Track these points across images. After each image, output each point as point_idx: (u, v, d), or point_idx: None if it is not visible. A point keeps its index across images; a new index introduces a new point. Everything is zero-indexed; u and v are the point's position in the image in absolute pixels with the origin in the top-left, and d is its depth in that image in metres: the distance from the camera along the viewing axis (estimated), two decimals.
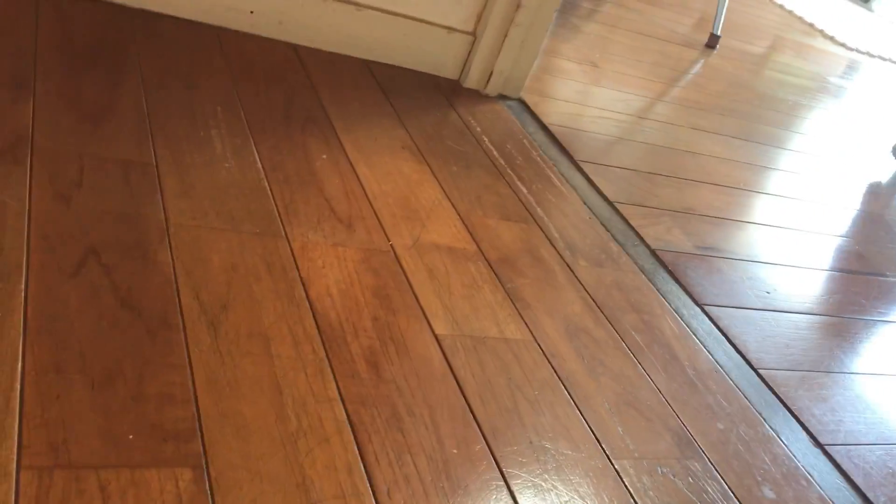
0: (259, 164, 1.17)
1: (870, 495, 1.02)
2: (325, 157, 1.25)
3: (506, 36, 1.67)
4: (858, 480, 1.03)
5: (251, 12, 1.52)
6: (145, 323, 0.83)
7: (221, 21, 1.51)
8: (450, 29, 1.66)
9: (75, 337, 0.78)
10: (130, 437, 0.71)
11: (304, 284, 0.98)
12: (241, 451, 0.74)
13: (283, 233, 1.05)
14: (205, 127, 1.20)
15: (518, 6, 1.63)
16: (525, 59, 1.71)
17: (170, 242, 0.95)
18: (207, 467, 0.71)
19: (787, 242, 1.65)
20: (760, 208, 1.76)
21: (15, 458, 0.66)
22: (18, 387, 0.71)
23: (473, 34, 1.68)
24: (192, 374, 0.79)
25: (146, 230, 0.95)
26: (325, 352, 0.89)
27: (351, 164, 1.26)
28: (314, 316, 0.93)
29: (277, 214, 1.08)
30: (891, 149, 2.49)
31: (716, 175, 1.83)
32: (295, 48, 1.56)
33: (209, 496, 0.68)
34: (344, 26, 1.59)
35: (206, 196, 1.05)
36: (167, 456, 0.70)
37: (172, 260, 0.93)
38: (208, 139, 1.17)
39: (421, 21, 1.64)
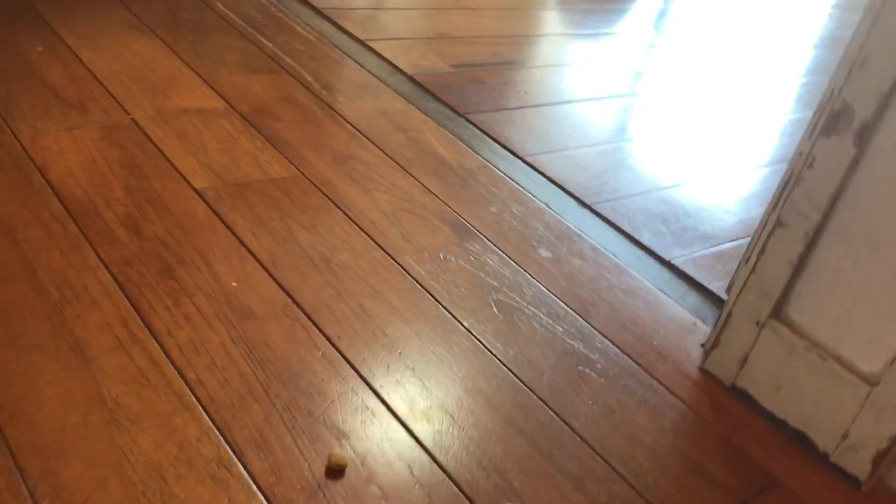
0: None
1: (635, 235, 1.11)
2: (40, 49, 1.16)
3: None
4: (624, 225, 1.13)
5: None
6: None
7: None
8: None
9: None
10: None
11: (41, 172, 0.92)
12: (3, 330, 0.70)
13: (7, 128, 0.98)
14: None
15: None
16: None
17: None
18: None
19: (534, 48, 1.71)
20: (505, 23, 1.81)
21: None
22: None
23: None
24: None
25: None
26: (78, 227, 0.85)
27: (72, 51, 1.18)
28: (59, 198, 0.89)
29: None
30: None
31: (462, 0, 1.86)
32: None
33: None
34: None
35: None
36: None
37: None
38: None
39: None
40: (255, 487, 0.63)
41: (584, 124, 1.41)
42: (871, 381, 0.77)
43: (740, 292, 0.86)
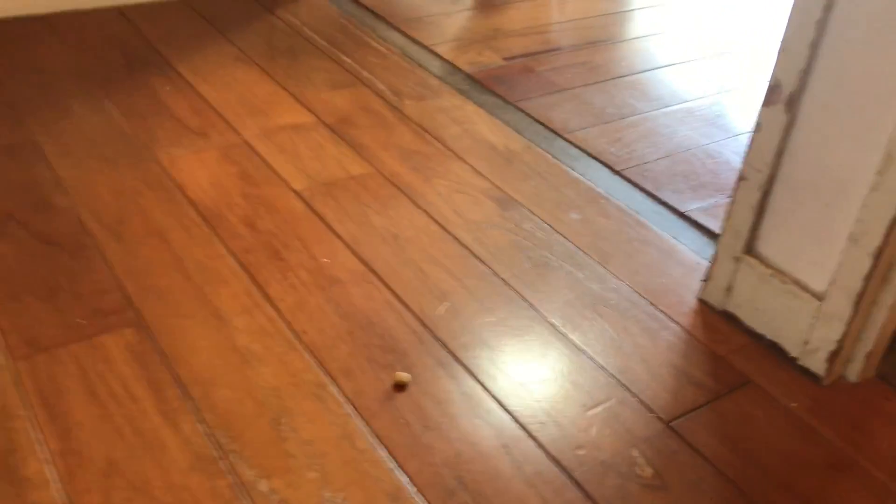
0: (116, 112, 1.39)
1: (657, 193, 1.32)
2: (168, 88, 1.48)
3: None
4: (647, 186, 1.34)
5: None
6: (66, 250, 1.08)
7: (48, 8, 1.69)
8: None
9: (17, 275, 1.03)
10: (80, 321, 0.97)
11: (180, 188, 1.23)
12: (164, 306, 1.00)
13: (153, 156, 1.29)
14: (63, 98, 1.41)
15: None
16: None
17: (66, 189, 1.19)
18: (144, 322, 0.98)
19: (579, 31, 1.91)
20: (553, 11, 2.01)
21: (4, 356, 0.92)
22: None
23: None
24: (113, 271, 1.05)
25: (44, 187, 1.19)
26: (211, 227, 1.15)
27: (192, 86, 1.49)
28: (195, 206, 1.19)
29: (143, 144, 1.31)
30: None
31: None
32: (119, 10, 1.75)
33: (152, 338, 0.96)
34: None
35: (80, 149, 1.28)
36: (111, 324, 0.97)
37: (73, 202, 1.17)
38: (68, 108, 1.39)
39: None
40: (344, 399, 0.90)
41: (622, 96, 1.61)
42: (820, 297, 0.96)
43: (722, 235, 1.06)
